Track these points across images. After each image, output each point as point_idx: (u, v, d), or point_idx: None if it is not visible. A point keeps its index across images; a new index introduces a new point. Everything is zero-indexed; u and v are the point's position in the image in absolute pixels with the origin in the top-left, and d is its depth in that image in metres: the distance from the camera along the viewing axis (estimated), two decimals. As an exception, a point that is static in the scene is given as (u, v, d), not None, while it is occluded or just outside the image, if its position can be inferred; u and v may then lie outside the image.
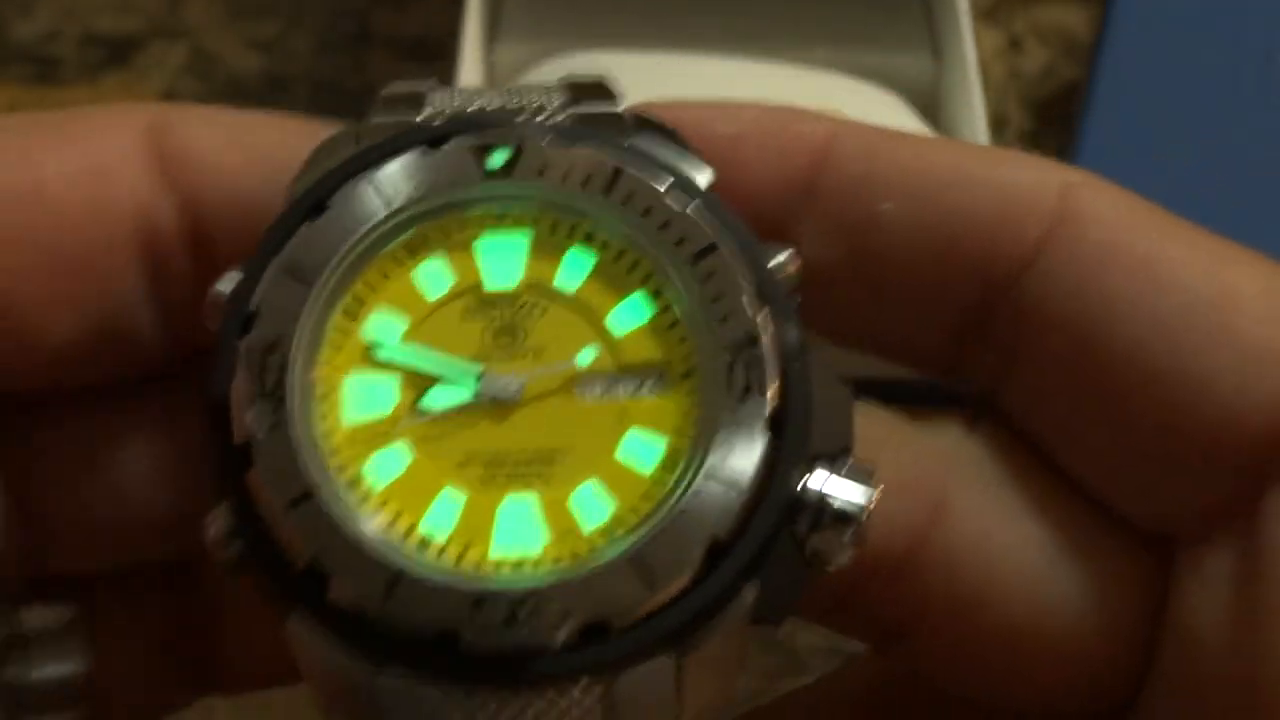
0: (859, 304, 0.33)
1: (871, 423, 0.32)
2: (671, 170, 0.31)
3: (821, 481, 0.29)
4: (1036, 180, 0.32)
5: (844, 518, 0.29)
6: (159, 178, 0.32)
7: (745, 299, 0.29)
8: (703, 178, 0.31)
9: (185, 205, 0.32)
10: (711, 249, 0.30)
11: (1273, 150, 0.64)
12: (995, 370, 0.33)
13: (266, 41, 0.83)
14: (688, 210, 0.30)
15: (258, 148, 0.32)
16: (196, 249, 0.32)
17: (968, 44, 0.70)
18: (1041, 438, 0.32)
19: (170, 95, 0.80)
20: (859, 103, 0.66)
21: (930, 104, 0.72)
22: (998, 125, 0.78)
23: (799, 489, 0.29)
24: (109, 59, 0.82)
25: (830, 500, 0.29)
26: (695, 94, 0.34)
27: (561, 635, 0.27)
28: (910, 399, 0.34)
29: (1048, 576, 0.32)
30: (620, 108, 0.32)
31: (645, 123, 0.32)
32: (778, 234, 0.32)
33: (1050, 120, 0.79)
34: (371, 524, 0.28)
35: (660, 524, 0.28)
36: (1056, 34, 0.84)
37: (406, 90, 0.32)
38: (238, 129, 0.33)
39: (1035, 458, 0.32)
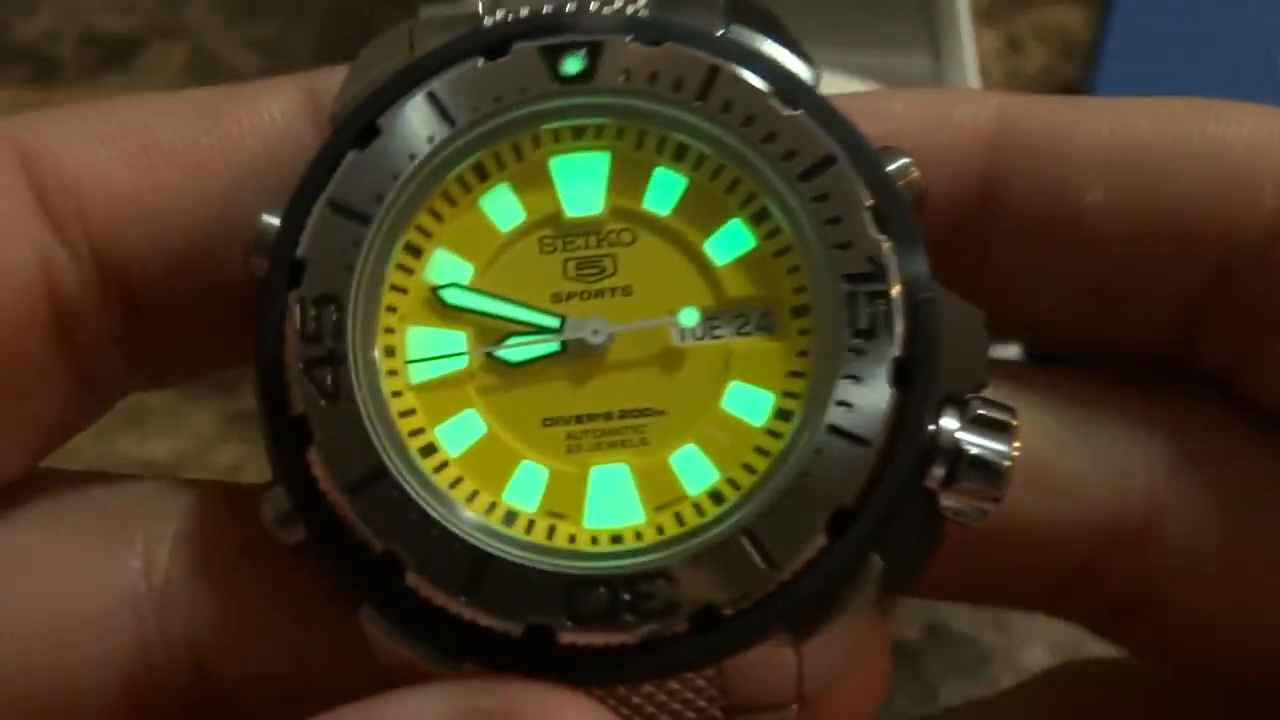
0: (1069, 310, 0.29)
1: (1091, 384, 0.29)
2: (775, 68, 0.27)
3: (956, 427, 0.26)
4: (1258, 133, 0.28)
5: (984, 467, 0.25)
6: (45, 225, 0.28)
7: (867, 221, 0.26)
8: (810, 76, 0.28)
9: (87, 246, 0.28)
10: (827, 162, 0.26)
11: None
12: (1238, 348, 0.29)
13: (266, 42, 0.83)
14: (797, 116, 0.27)
15: (156, 149, 0.27)
16: (105, 286, 0.28)
17: (967, 44, 0.70)
18: None
19: (170, 95, 0.80)
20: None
21: (930, 104, 0.72)
22: (997, 125, 0.78)
23: (932, 438, 0.26)
24: (109, 59, 0.82)
25: (968, 448, 0.25)
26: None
27: (670, 628, 0.24)
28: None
29: None
30: None
31: (741, 6, 0.28)
32: (959, 247, 0.27)
33: (1050, 120, 0.80)
34: (450, 500, 0.25)
35: (778, 489, 0.25)
36: (1055, 34, 0.84)
37: (449, 14, 0.27)
38: (123, 133, 0.28)
39: (1258, 431, 0.29)
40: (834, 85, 0.67)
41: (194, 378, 0.31)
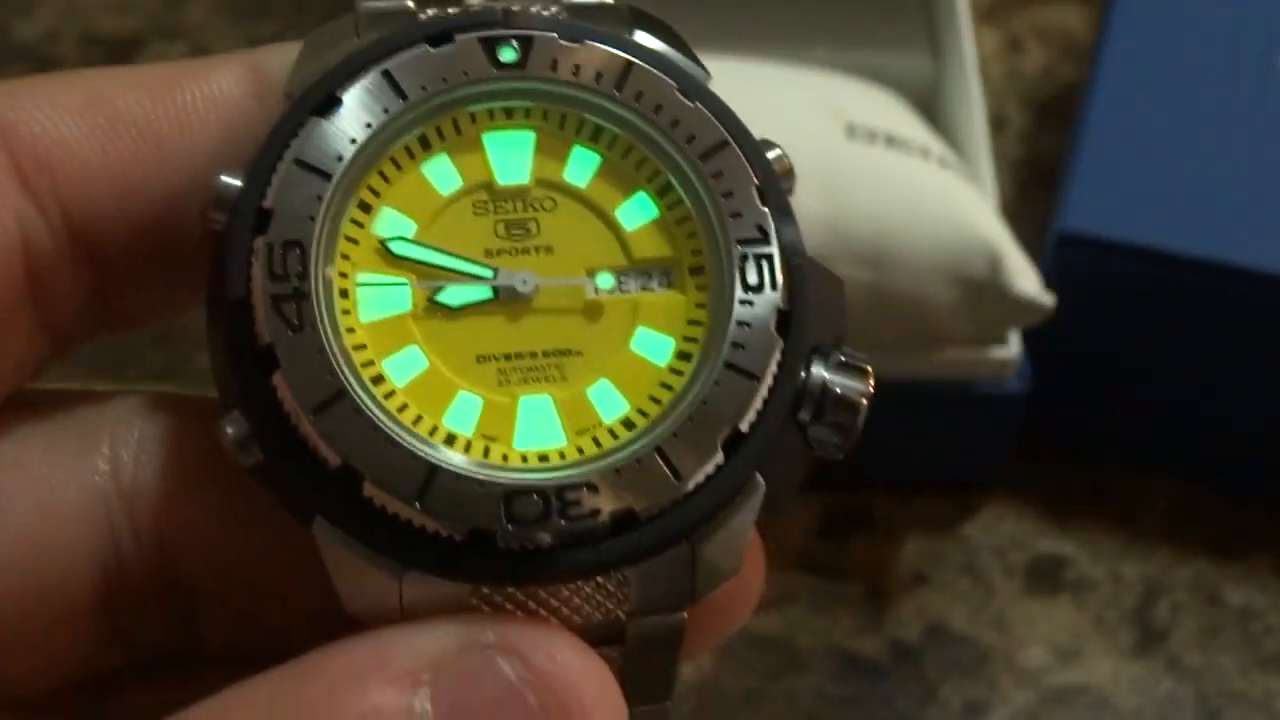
0: None
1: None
2: (675, 69, 0.31)
3: (823, 370, 0.29)
4: None
5: (847, 406, 0.29)
6: (23, 194, 0.30)
7: (754, 196, 0.29)
8: (703, 77, 0.31)
9: (59, 214, 0.30)
10: (722, 145, 0.30)
11: (1272, 150, 0.64)
12: None
13: (266, 42, 0.83)
14: (697, 107, 0.30)
15: (120, 121, 0.30)
16: (75, 249, 0.31)
17: (967, 44, 0.71)
18: None
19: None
20: (861, 103, 0.66)
21: (930, 104, 0.73)
22: (997, 125, 0.78)
23: (804, 380, 0.29)
24: (109, 59, 0.82)
25: (833, 388, 0.29)
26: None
27: (596, 527, 0.27)
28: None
29: None
30: None
31: (642, 17, 0.31)
32: None
33: (1049, 120, 0.80)
34: (400, 421, 0.28)
35: (684, 415, 0.28)
36: (1056, 34, 0.85)
37: (388, 6, 0.31)
38: (90, 107, 0.30)
39: None
40: (835, 85, 0.67)
41: (148, 325, 0.34)
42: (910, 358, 0.62)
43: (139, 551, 0.31)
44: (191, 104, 0.31)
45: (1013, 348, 0.62)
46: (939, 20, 0.75)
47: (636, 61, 0.30)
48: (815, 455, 0.30)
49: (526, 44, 0.30)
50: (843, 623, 0.63)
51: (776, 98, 0.64)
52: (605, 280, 0.30)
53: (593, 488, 0.27)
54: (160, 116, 0.30)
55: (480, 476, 0.27)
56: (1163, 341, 0.65)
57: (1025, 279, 0.61)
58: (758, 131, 0.31)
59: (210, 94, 0.31)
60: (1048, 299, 0.61)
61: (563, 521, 0.27)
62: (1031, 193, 0.76)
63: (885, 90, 0.70)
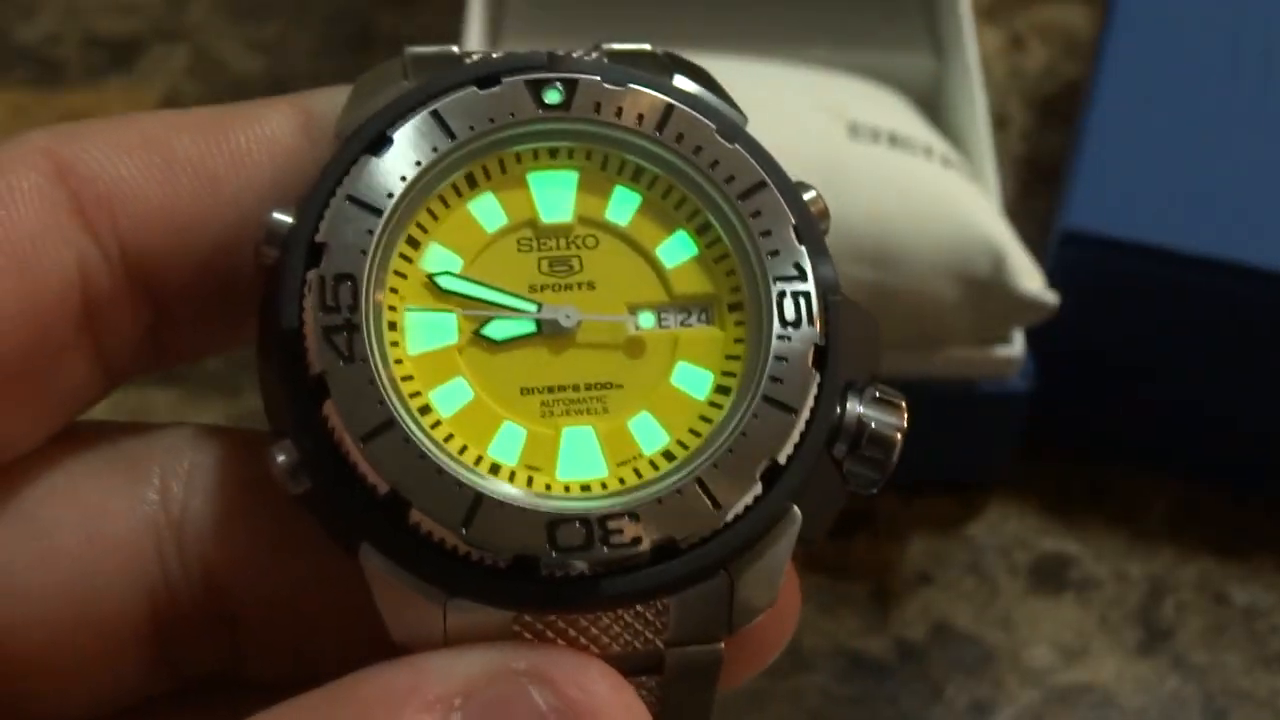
0: None
1: None
2: (714, 112, 0.31)
3: (858, 407, 0.30)
4: None
5: (882, 441, 0.30)
6: (83, 231, 0.30)
7: (792, 234, 0.30)
8: (740, 120, 0.32)
9: (118, 251, 0.31)
10: (760, 186, 0.31)
11: (1276, 147, 0.64)
12: None
13: (268, 43, 0.83)
14: (735, 149, 0.31)
15: (177, 161, 0.31)
16: (132, 286, 0.31)
17: (969, 42, 0.71)
18: None
19: (172, 97, 0.80)
20: (863, 103, 0.66)
21: (932, 103, 0.73)
22: (1000, 123, 0.78)
23: (840, 415, 0.30)
24: (111, 62, 0.82)
25: (868, 423, 0.30)
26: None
27: (637, 555, 0.28)
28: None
29: None
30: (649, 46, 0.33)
31: (679, 63, 0.32)
32: None
33: (1052, 119, 0.80)
34: (447, 450, 0.28)
35: (724, 445, 0.29)
36: (1058, 32, 0.85)
37: (434, 51, 0.32)
38: (147, 147, 0.31)
39: None
40: (838, 85, 0.67)
41: (198, 360, 0.35)
42: (913, 357, 0.62)
43: (188, 581, 0.31)
44: (245, 145, 0.31)
45: (1016, 347, 0.62)
46: (940, 19, 0.75)
47: (677, 104, 0.31)
48: (850, 488, 0.30)
49: (571, 87, 0.31)
50: (847, 623, 0.63)
51: (778, 97, 0.65)
52: (646, 317, 0.31)
53: (634, 516, 0.28)
54: (215, 157, 0.31)
55: (524, 505, 0.28)
56: (1166, 340, 0.65)
57: (1028, 278, 0.61)
58: (761, 133, 0.32)
59: (263, 135, 0.31)
60: (1051, 298, 0.61)
61: (605, 549, 0.28)
62: (1034, 191, 0.76)
63: (887, 89, 0.70)
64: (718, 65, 0.33)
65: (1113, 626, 0.64)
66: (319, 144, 0.31)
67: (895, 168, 0.62)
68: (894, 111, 0.67)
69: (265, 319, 0.30)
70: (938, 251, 0.60)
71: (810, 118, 0.63)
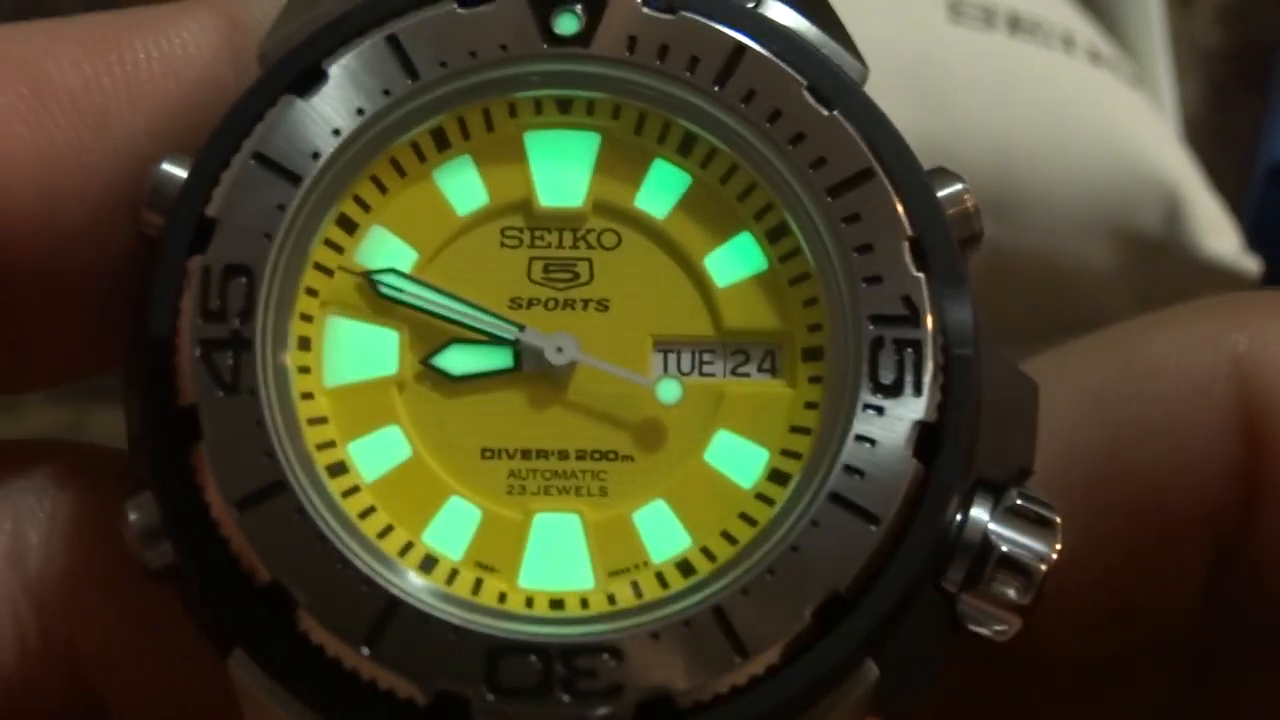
0: None
1: None
2: (814, 57, 0.26)
3: (988, 518, 0.25)
4: None
5: (1017, 568, 0.25)
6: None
7: (906, 253, 0.25)
8: (857, 72, 0.26)
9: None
10: (864, 176, 0.25)
11: None
12: None
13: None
14: (833, 117, 0.25)
15: (52, 94, 0.27)
16: None
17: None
18: None
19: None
20: None
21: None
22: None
23: (957, 528, 0.25)
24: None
25: (999, 544, 0.25)
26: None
27: (612, 713, 0.23)
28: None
29: None
30: None
31: None
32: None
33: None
34: (359, 532, 0.24)
35: (762, 564, 0.24)
36: None
37: None
38: (15, 73, 0.27)
39: None
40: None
41: (69, 381, 0.31)
42: (1047, 348, 0.51)
43: (47, 663, 0.28)
44: (146, 66, 0.27)
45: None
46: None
47: (752, 45, 0.26)
48: (966, 637, 0.25)
49: (596, 10, 0.25)
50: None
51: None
52: (671, 399, 0.26)
53: (617, 653, 0.23)
54: (104, 85, 0.27)
55: (458, 621, 0.24)
56: None
57: (1218, 235, 0.50)
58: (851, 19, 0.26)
59: (170, 52, 0.27)
60: (1251, 264, 0.51)
61: (566, 697, 0.23)
62: (1232, 101, 0.63)
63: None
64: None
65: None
66: (249, 67, 0.27)
67: (1019, 65, 0.51)
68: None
69: (134, 317, 0.26)
70: (1081, 194, 0.50)
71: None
